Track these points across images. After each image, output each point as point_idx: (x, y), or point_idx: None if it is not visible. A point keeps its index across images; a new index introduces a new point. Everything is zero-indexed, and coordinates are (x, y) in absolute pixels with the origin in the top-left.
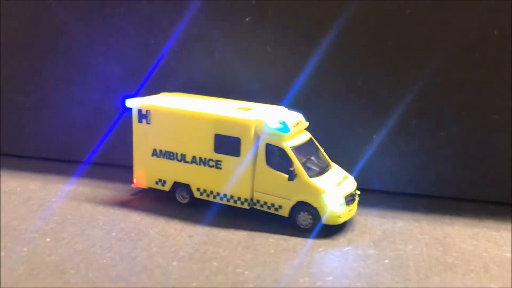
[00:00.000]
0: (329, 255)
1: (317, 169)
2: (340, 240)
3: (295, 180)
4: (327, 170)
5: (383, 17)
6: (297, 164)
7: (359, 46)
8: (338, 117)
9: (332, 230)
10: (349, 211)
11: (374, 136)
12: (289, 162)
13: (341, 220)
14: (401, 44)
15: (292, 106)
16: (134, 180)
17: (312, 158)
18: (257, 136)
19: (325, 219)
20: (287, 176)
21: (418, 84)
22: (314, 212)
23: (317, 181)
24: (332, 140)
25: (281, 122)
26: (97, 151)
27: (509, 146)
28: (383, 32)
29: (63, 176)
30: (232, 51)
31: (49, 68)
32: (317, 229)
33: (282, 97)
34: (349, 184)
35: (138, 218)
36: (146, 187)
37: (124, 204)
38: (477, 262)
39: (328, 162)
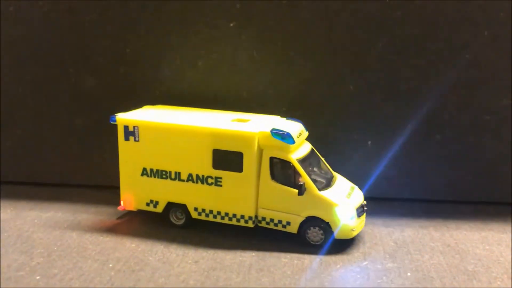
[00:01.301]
0: (349, 272)
1: (323, 181)
2: (355, 254)
3: (304, 194)
4: (333, 182)
5: (374, 20)
6: (306, 178)
7: (349, 49)
8: (331, 124)
9: (342, 244)
10: (360, 223)
11: (369, 142)
12: (296, 175)
13: (354, 234)
14: (394, 46)
15: (282, 113)
16: (121, 203)
17: (315, 169)
18: (260, 150)
19: (338, 233)
20: (294, 190)
21: (412, 87)
22: (325, 227)
23: (327, 194)
24: (326, 148)
25: (286, 133)
26: (71, 172)
27: (505, 146)
28: (374, 35)
29: (36, 201)
30: (216, 59)
31: (13, 83)
32: (328, 244)
33: (271, 106)
34: (358, 195)
35: (133, 245)
36: (134, 209)
37: (113, 229)
38: (497, 268)
39: (332, 173)
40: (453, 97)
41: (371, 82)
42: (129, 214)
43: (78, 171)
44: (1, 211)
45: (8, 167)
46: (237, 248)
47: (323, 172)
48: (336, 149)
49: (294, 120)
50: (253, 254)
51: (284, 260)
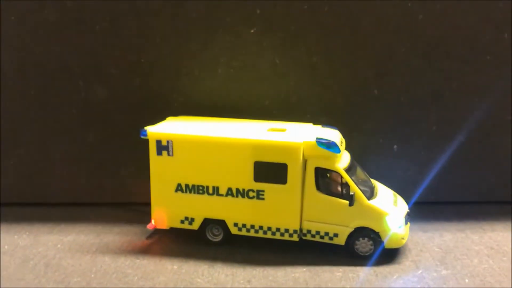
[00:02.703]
0: (408, 283)
1: (367, 189)
2: (406, 263)
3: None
4: (376, 190)
5: (396, 23)
6: (355, 187)
7: (372, 53)
8: (355, 129)
9: (388, 254)
10: (407, 231)
11: (395, 147)
12: (343, 185)
13: (403, 242)
14: (416, 50)
15: (306, 120)
16: (152, 221)
17: (358, 178)
18: (304, 160)
19: (388, 242)
20: (342, 201)
21: (436, 89)
22: (374, 237)
23: (376, 203)
24: (352, 154)
25: (332, 142)
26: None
27: None
28: (397, 39)
29: (51, 223)
30: (237, 66)
31: (16, 98)
32: (376, 254)
33: (295, 113)
34: (402, 202)
35: (175, 267)
36: (167, 228)
37: (147, 250)
38: None
39: (371, 181)
40: (475, 99)
41: (395, 86)
42: (158, 233)
43: (91, 189)
44: (17, 236)
45: (13, 187)
46: (285, 264)
47: (364, 180)
48: (361, 154)
49: (330, 127)
50: (304, 269)
51: (338, 274)
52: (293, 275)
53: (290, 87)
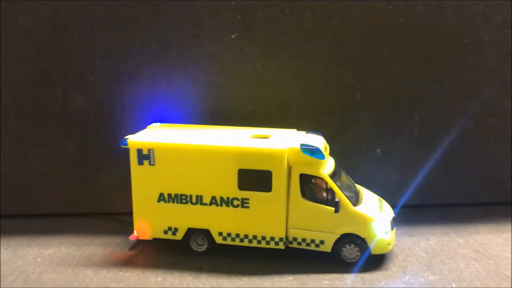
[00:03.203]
0: None
1: (352, 195)
2: (393, 269)
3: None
4: (361, 195)
5: (377, 27)
6: (341, 194)
7: (354, 58)
8: (339, 134)
9: (374, 260)
10: (393, 236)
11: (378, 150)
12: (328, 192)
13: (390, 248)
14: (398, 53)
15: (289, 126)
16: (135, 232)
17: (342, 184)
18: (289, 167)
19: (374, 248)
20: (327, 208)
21: (417, 93)
22: (360, 243)
23: (362, 209)
24: (335, 158)
25: (316, 148)
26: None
27: (507, 147)
28: (378, 42)
29: (29, 235)
30: (219, 73)
31: None
32: (362, 260)
33: (278, 119)
34: (387, 207)
35: (159, 279)
36: (150, 238)
37: (129, 262)
38: None
39: (355, 186)
40: (457, 102)
41: (377, 90)
42: (141, 243)
43: (70, 199)
44: None
45: None
46: (271, 273)
47: (348, 186)
48: (345, 159)
49: (314, 133)
50: (291, 278)
51: (325, 282)
52: (279, 284)
53: (272, 93)
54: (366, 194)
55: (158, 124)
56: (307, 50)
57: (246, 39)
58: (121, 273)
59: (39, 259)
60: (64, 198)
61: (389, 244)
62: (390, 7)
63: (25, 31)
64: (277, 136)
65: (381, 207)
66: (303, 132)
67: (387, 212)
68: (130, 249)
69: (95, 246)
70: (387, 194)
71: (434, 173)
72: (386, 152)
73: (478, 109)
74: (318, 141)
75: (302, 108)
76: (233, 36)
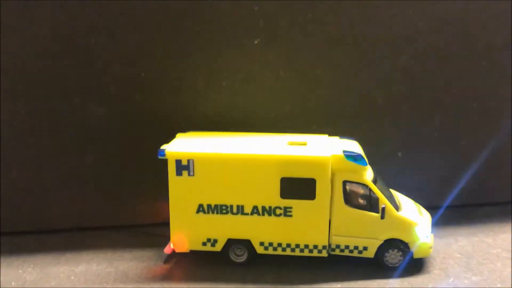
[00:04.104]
0: None
1: (392, 201)
2: (434, 271)
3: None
4: (398, 200)
5: (397, 32)
6: (385, 200)
7: (374, 63)
8: (362, 139)
9: (413, 263)
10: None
11: (399, 153)
12: (372, 198)
13: (431, 251)
14: (416, 58)
15: (312, 131)
16: (171, 245)
17: (382, 190)
18: (332, 174)
19: (416, 252)
20: (371, 214)
21: (435, 96)
22: (403, 248)
23: (405, 214)
24: None
25: (358, 155)
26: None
27: None
28: (398, 47)
29: (54, 252)
30: (241, 79)
31: (5, 119)
32: (404, 264)
33: (300, 125)
34: (424, 211)
35: None
36: (187, 251)
37: (169, 277)
38: None
39: (390, 191)
40: (474, 104)
41: (398, 95)
42: (176, 256)
43: (90, 213)
44: (21, 269)
45: (6, 215)
46: (319, 281)
47: (387, 191)
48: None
49: (348, 138)
50: (338, 285)
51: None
52: None
53: (295, 99)
54: (404, 199)
55: (186, 133)
56: (329, 56)
57: (268, 45)
58: None
59: (72, 277)
60: (83, 212)
61: (430, 248)
62: (410, 11)
63: (42, 39)
64: (314, 142)
65: (420, 211)
66: (336, 138)
67: (426, 216)
68: (165, 262)
69: (127, 261)
70: (408, 195)
71: (453, 175)
72: (407, 155)
73: (495, 111)
74: (356, 147)
75: (325, 114)
76: (255, 42)
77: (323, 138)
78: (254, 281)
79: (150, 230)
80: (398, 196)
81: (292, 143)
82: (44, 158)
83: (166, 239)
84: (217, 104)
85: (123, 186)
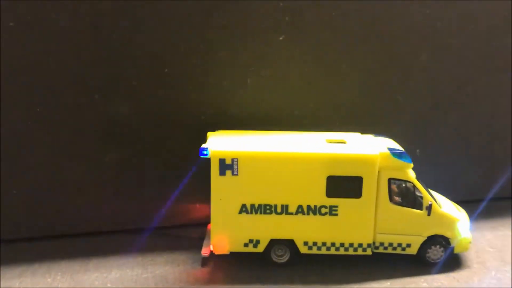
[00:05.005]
0: (491, 285)
1: (433, 197)
2: (474, 266)
3: None
4: (435, 197)
5: (417, 31)
6: (429, 197)
7: (396, 61)
8: (381, 135)
9: (449, 258)
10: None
11: (418, 151)
12: (416, 195)
13: (470, 246)
14: (435, 57)
15: (336, 128)
16: (211, 247)
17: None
18: (378, 172)
19: (457, 248)
20: (415, 211)
21: (452, 94)
22: (445, 244)
23: (447, 211)
24: None
25: (404, 152)
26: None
27: None
28: (418, 46)
29: (81, 258)
30: (267, 76)
31: (18, 117)
32: (443, 260)
33: (324, 122)
34: (459, 207)
35: None
36: (227, 252)
37: (212, 280)
38: None
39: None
40: (488, 101)
41: (416, 92)
42: (214, 258)
43: (111, 216)
44: (50, 278)
45: (21, 219)
46: (368, 280)
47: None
48: None
49: (381, 136)
50: (388, 283)
51: (424, 285)
52: None
53: (318, 96)
54: (438, 196)
55: (216, 132)
56: (353, 53)
57: (294, 41)
58: None
59: (109, 285)
60: (103, 215)
61: (470, 243)
62: (427, 12)
63: (60, 31)
64: (352, 140)
65: (457, 207)
66: (370, 136)
67: (463, 211)
68: (203, 265)
69: (162, 265)
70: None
71: (469, 170)
72: (424, 152)
73: (506, 111)
74: (396, 144)
75: (347, 111)
76: (281, 38)
77: (359, 136)
78: (301, 282)
79: (175, 232)
80: (433, 193)
81: (330, 141)
82: (61, 158)
83: (192, 240)
84: (242, 102)
85: (144, 187)
